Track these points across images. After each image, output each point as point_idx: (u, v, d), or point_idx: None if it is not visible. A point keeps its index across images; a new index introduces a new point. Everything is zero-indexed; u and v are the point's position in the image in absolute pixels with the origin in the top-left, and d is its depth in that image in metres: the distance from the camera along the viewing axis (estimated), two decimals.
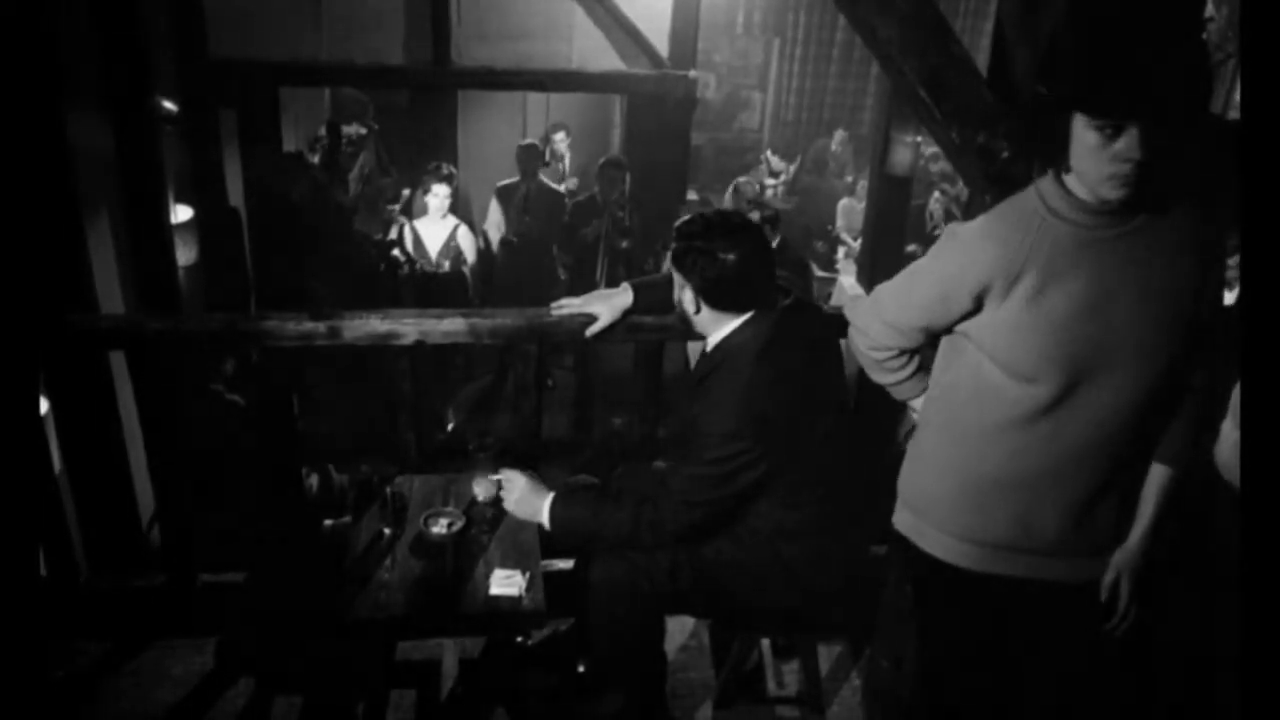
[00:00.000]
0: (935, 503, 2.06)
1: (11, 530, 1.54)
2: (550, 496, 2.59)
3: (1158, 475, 1.98)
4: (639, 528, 2.46)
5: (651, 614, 2.58)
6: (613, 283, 6.28)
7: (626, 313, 2.83)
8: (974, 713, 2.28)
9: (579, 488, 2.96)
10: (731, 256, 2.33)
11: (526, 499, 2.60)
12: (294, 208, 6.49)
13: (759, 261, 2.37)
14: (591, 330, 2.82)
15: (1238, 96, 6.65)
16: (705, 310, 2.43)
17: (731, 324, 2.43)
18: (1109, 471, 1.92)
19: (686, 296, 2.44)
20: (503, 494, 2.64)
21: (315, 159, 7.26)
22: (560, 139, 8.05)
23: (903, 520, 2.16)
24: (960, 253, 1.88)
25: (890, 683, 2.71)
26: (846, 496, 2.48)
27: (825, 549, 2.49)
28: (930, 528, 2.08)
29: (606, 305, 2.82)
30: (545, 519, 2.57)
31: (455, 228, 6.17)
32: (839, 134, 10.43)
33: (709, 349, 2.49)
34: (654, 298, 2.82)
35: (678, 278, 2.45)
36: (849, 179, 9.84)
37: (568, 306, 2.88)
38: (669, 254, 2.46)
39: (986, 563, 2.03)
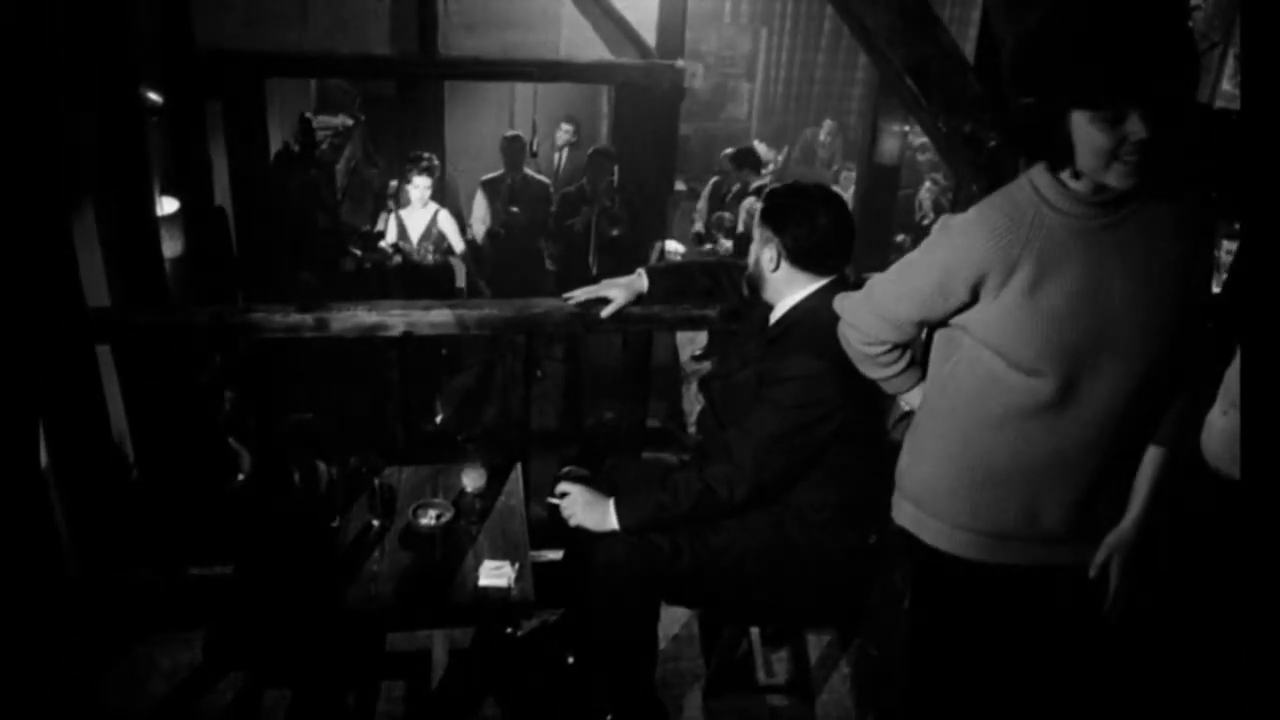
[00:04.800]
0: (939, 495, 2.05)
1: (7, 527, 1.55)
2: (611, 500, 2.56)
3: (1152, 457, 1.98)
4: (712, 488, 2.46)
5: (649, 597, 2.59)
6: (603, 271, 6.31)
7: (641, 298, 2.84)
8: (967, 701, 2.29)
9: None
10: (824, 218, 2.43)
11: (591, 510, 2.57)
12: (285, 200, 6.49)
13: (846, 229, 2.48)
14: (606, 311, 2.84)
15: (1225, 85, 6.68)
16: (784, 269, 2.48)
17: (807, 287, 2.48)
18: (1113, 457, 1.93)
19: (767, 254, 2.49)
20: (565, 513, 2.61)
21: (297, 150, 7.25)
22: (567, 131, 7.94)
23: (903, 513, 2.15)
24: (956, 244, 1.88)
25: (880, 671, 2.72)
26: (869, 484, 2.49)
27: (837, 540, 2.52)
28: (933, 520, 2.08)
29: (622, 289, 2.85)
30: (614, 521, 2.53)
31: (436, 213, 6.25)
32: (827, 124, 10.43)
33: (783, 311, 2.52)
34: (669, 284, 2.87)
35: (763, 234, 2.50)
36: (835, 168, 9.85)
37: (583, 293, 2.89)
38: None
39: (991, 552, 2.03)
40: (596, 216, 6.54)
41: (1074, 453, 1.91)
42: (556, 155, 7.97)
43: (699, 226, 7.83)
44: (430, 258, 6.28)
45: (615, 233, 6.52)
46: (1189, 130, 1.72)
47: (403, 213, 6.30)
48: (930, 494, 2.07)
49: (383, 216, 6.53)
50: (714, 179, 8.05)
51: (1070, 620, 2.15)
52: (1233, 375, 2.06)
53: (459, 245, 6.39)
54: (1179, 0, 1.69)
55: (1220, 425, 2.13)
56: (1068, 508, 1.96)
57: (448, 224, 6.31)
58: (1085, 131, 1.68)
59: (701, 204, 7.97)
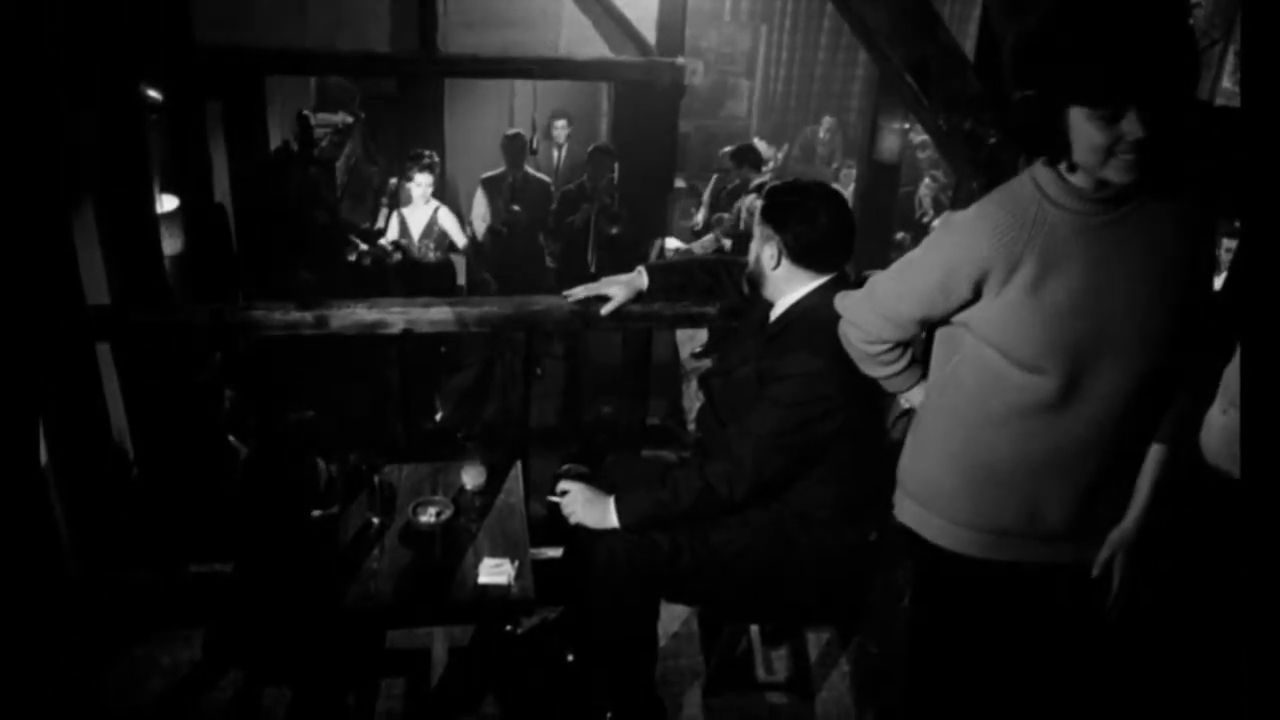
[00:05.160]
0: (941, 492, 2.05)
1: (6, 526, 1.55)
2: (612, 498, 2.55)
3: (1155, 456, 1.98)
4: (712, 486, 2.46)
5: (648, 595, 2.59)
6: (602, 269, 6.31)
7: (641, 295, 2.85)
8: (967, 699, 2.29)
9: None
10: (825, 215, 2.43)
11: (591, 508, 2.56)
12: (283, 198, 6.49)
13: (846, 226, 2.47)
14: (606, 309, 2.84)
15: (1225, 83, 6.68)
16: (785, 267, 2.47)
17: (808, 285, 2.48)
18: (1114, 455, 1.93)
19: (768, 251, 2.48)
20: (565, 511, 2.61)
21: (296, 148, 7.25)
22: (561, 126, 8.00)
23: (906, 511, 2.15)
24: (958, 242, 1.88)
25: (880, 669, 2.72)
26: (869, 482, 2.49)
27: (837, 538, 2.52)
28: (936, 517, 2.08)
29: (622, 287, 2.85)
30: (614, 519, 2.53)
31: (436, 210, 6.26)
32: (826, 120, 10.42)
33: (783, 309, 2.52)
34: (668, 281, 2.87)
35: (764, 231, 2.50)
36: (835, 166, 9.85)
37: (583, 290, 2.90)
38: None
39: (993, 550, 2.03)
40: (596, 214, 6.55)
41: (1075, 450, 1.91)
42: (555, 152, 7.98)
43: (698, 219, 7.81)
44: (431, 255, 6.28)
45: (614, 231, 6.52)
46: (1189, 128, 1.72)
47: (404, 210, 6.32)
48: (933, 492, 2.07)
49: (383, 214, 6.54)
50: (715, 176, 8.05)
51: (1071, 618, 2.15)
52: (1231, 374, 2.06)
53: (460, 240, 6.39)
54: (1178, 9, 1.68)
55: (1220, 424, 2.13)
56: (1069, 505, 1.96)
57: (448, 221, 6.32)
58: (1082, 128, 1.68)
59: (706, 198, 7.94)
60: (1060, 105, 1.69)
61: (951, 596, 2.17)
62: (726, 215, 7.41)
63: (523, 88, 9.22)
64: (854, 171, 8.80)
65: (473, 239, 6.86)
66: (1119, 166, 1.69)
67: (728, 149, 8.02)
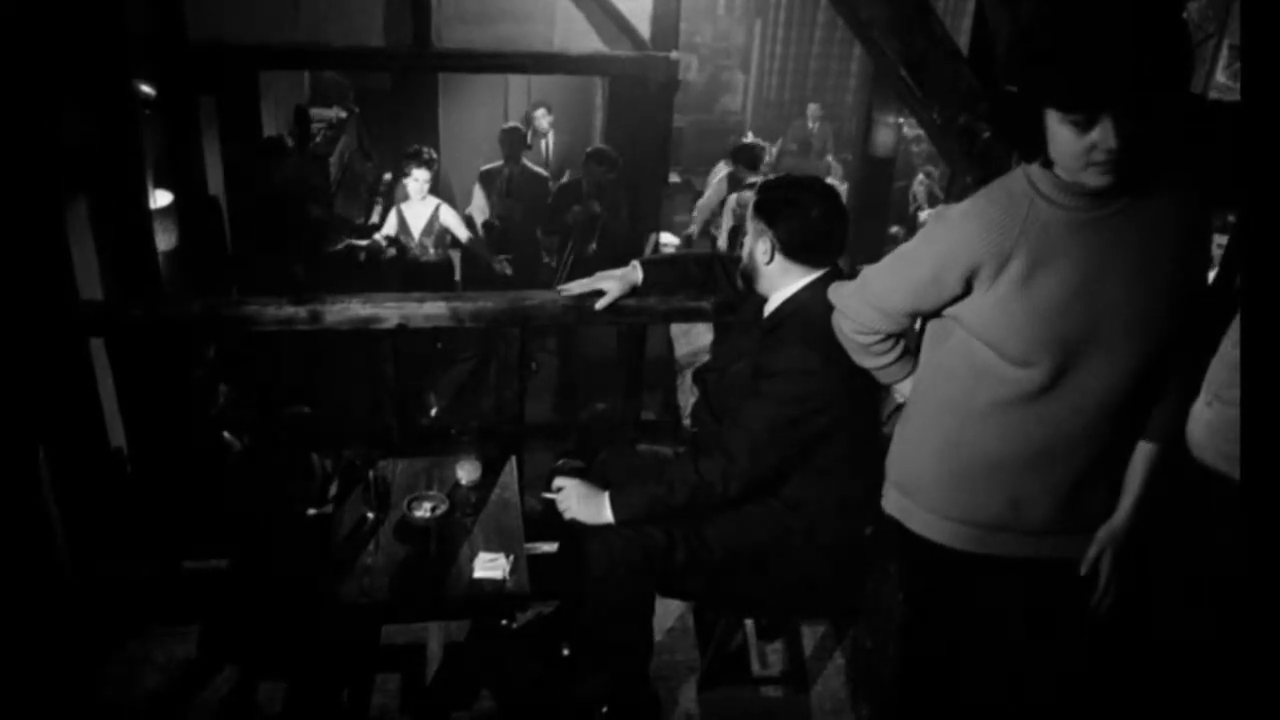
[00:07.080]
0: (926, 484, 2.06)
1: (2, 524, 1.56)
2: (607, 493, 2.55)
3: (1144, 452, 1.99)
4: (707, 481, 2.46)
5: (644, 589, 2.59)
6: (581, 263, 6.28)
7: (636, 290, 2.85)
8: (958, 692, 2.30)
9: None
10: (818, 210, 2.42)
11: (586, 503, 2.56)
12: (275, 193, 6.47)
13: (839, 222, 2.48)
14: (601, 303, 2.84)
15: (1219, 76, 6.69)
16: (778, 261, 2.47)
17: (801, 280, 2.48)
18: (1100, 450, 1.93)
19: (761, 246, 2.48)
20: (560, 506, 2.60)
21: (292, 143, 7.24)
22: (541, 115, 8.02)
23: (892, 501, 2.17)
24: (950, 235, 1.88)
25: (874, 663, 2.72)
26: (864, 477, 2.49)
27: (832, 532, 2.52)
28: (920, 509, 2.08)
29: (616, 282, 2.85)
30: (609, 514, 2.52)
31: (437, 207, 6.23)
32: (812, 108, 10.38)
33: (777, 304, 2.52)
34: (662, 276, 2.88)
35: (756, 226, 2.50)
36: (829, 158, 9.84)
37: (578, 286, 2.90)
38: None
39: (977, 543, 2.04)
40: (583, 222, 6.51)
41: (1062, 444, 1.91)
42: (542, 142, 7.98)
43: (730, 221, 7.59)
44: (431, 252, 6.26)
45: (592, 249, 6.47)
46: (1183, 124, 1.72)
47: (403, 206, 6.28)
48: (918, 483, 2.08)
49: (376, 209, 6.52)
50: (728, 173, 7.89)
51: (1059, 613, 2.15)
52: (1216, 366, 2.05)
53: (464, 235, 6.36)
54: (1170, 9, 1.66)
55: (1205, 416, 2.13)
56: (1054, 500, 1.96)
57: (450, 217, 6.28)
58: (1056, 131, 1.67)
59: (711, 195, 7.71)
60: (1039, 105, 1.69)
61: (938, 588, 2.17)
62: None
63: (517, 81, 9.23)
64: (841, 165, 8.79)
65: (473, 229, 6.80)
66: (1095, 172, 1.68)
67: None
